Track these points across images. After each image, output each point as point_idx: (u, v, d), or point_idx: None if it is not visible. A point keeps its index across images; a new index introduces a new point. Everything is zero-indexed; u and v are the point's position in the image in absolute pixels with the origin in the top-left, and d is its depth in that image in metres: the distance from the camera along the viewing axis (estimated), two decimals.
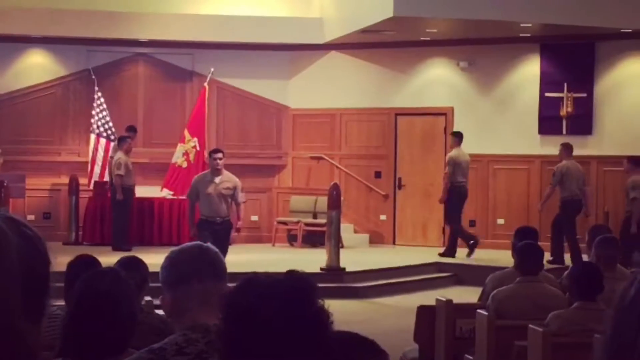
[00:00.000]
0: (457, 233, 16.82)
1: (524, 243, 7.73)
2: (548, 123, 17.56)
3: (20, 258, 1.58)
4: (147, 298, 6.62)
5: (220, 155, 13.17)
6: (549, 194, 16.10)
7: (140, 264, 5.92)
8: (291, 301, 2.23)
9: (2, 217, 1.61)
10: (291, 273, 2.32)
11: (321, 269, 14.53)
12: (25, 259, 1.60)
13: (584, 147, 17.36)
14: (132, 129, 17.89)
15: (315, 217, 18.52)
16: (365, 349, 2.77)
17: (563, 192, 15.81)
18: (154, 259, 6.92)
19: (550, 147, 17.09)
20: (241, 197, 13.56)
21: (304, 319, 2.22)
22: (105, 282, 3.73)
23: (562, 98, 17.65)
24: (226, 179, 13.13)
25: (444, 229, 18.64)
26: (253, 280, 2.29)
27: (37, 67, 19.16)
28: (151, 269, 5.93)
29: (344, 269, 14.83)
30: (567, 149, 16.10)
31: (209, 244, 3.59)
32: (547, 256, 12.23)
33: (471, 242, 16.75)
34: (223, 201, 13.02)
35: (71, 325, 3.66)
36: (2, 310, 1.51)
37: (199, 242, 3.68)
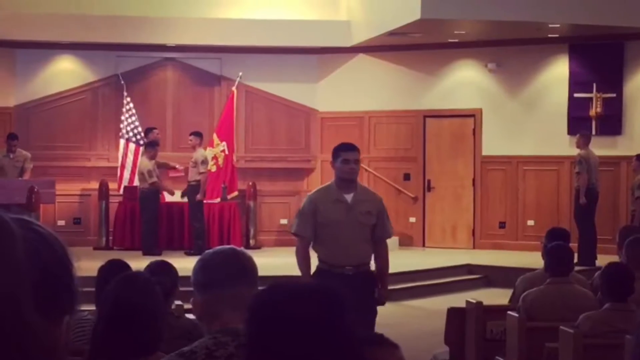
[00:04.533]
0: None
1: (554, 244, 7.70)
2: (577, 124, 17.45)
3: (29, 254, 1.58)
4: (177, 302, 6.64)
5: (355, 155, 7.81)
6: (585, 180, 15.65)
7: (170, 269, 5.94)
8: (324, 306, 2.22)
9: (13, 218, 1.62)
10: (323, 283, 2.33)
11: None
12: (35, 255, 1.61)
13: (613, 148, 17.27)
14: (151, 130, 17.93)
15: None
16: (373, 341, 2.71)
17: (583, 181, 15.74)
18: (184, 263, 6.98)
19: None
20: (389, 229, 7.93)
21: (334, 325, 2.21)
22: (135, 286, 3.75)
23: (591, 98, 17.55)
24: (364, 197, 7.76)
25: (473, 231, 18.59)
26: (284, 284, 2.29)
27: (66, 73, 19.25)
28: (181, 274, 5.96)
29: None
30: (585, 137, 16.02)
31: (242, 248, 3.55)
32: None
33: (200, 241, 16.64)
34: (360, 236, 7.65)
35: (101, 329, 3.68)
36: (8, 300, 1.52)
37: (233, 246, 3.65)
